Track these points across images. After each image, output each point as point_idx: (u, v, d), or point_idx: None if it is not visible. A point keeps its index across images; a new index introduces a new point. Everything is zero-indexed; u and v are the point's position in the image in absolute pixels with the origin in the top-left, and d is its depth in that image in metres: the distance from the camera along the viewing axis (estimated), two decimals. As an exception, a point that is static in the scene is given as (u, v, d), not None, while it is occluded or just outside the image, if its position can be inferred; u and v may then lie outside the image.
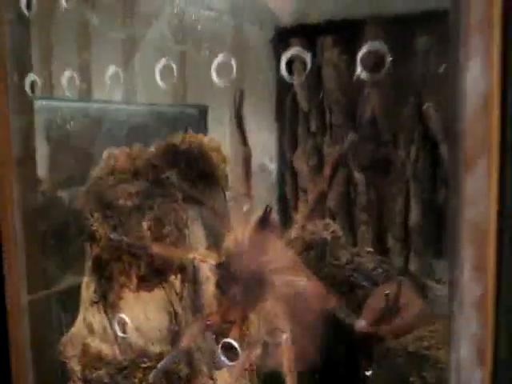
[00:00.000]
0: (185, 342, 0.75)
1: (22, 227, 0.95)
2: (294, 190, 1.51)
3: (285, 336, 0.69)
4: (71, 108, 1.17)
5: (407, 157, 1.35)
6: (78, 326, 0.96)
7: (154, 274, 0.90)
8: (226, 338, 0.70)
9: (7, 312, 0.95)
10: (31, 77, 0.85)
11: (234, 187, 0.83)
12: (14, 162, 0.91)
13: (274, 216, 0.69)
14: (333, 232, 1.08)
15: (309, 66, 0.61)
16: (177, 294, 0.92)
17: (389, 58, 0.62)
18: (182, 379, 0.92)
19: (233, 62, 0.66)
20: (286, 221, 1.48)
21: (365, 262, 1.01)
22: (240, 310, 0.69)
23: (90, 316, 0.95)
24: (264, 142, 1.51)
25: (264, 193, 1.49)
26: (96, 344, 0.94)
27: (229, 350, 0.71)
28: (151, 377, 0.79)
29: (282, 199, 1.52)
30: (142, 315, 0.92)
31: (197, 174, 0.95)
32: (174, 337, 0.92)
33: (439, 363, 0.84)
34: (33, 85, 0.88)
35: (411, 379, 0.89)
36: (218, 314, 0.70)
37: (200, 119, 1.41)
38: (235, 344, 0.69)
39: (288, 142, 1.50)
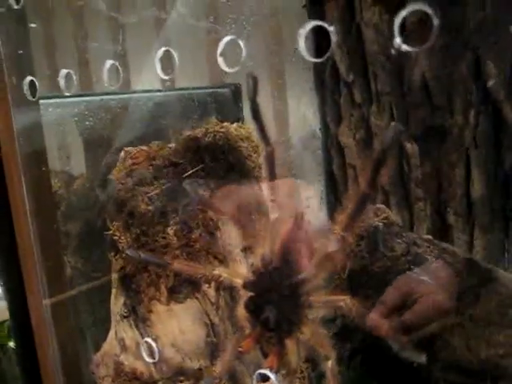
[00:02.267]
0: (218, 370, 0.66)
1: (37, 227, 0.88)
2: (341, 167, 1.38)
3: (330, 363, 0.58)
4: (92, 102, 1.08)
5: (465, 122, 1.20)
6: (110, 342, 0.88)
7: (185, 285, 0.81)
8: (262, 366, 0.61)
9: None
10: (29, 78, 0.76)
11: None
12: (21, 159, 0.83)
13: (307, 224, 0.58)
14: (385, 218, 0.95)
15: (333, 40, 0.49)
16: (212, 304, 0.83)
17: (436, 22, 0.49)
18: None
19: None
20: (335, 204, 1.37)
21: (423, 252, 0.89)
22: (276, 335, 0.59)
23: (121, 331, 0.87)
24: (305, 116, 1.39)
25: (309, 173, 1.38)
26: (130, 362, 0.86)
27: (265, 380, 0.61)
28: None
29: (330, 178, 1.40)
30: (176, 329, 0.83)
31: (225, 168, 0.84)
32: (212, 350, 0.84)
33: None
34: (33, 84, 0.79)
35: (484, 387, 0.77)
36: (251, 339, 0.60)
37: (234, 100, 1.30)
38: (271, 375, 0.59)
39: (331, 115, 1.37)
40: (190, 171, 0.80)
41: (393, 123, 0.52)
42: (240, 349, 0.62)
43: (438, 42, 1.22)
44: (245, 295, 0.63)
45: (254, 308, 0.58)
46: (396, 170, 1.29)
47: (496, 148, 1.18)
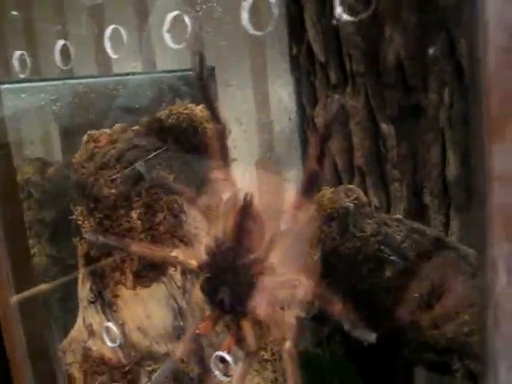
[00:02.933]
0: (178, 353, 0.65)
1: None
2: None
3: (287, 344, 0.57)
4: (58, 87, 1.06)
5: (440, 102, 1.19)
6: (78, 329, 0.88)
7: (151, 268, 0.80)
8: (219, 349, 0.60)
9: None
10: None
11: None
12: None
13: (258, 204, 0.57)
14: (356, 199, 0.95)
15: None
16: (179, 288, 0.82)
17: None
18: (194, 380, 0.82)
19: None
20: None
21: (393, 232, 0.88)
22: (231, 317, 0.58)
23: (89, 317, 0.86)
24: (280, 98, 1.38)
25: (285, 155, 1.37)
26: (98, 347, 0.85)
27: (223, 362, 0.60)
28: (149, 388, 0.70)
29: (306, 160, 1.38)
30: (142, 313, 0.82)
31: (189, 149, 0.83)
32: (180, 334, 0.83)
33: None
34: None
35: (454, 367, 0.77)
36: (209, 321, 0.59)
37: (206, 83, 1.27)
38: (228, 357, 0.58)
39: (307, 96, 1.36)
40: (153, 154, 0.79)
41: (336, 95, 0.51)
42: (198, 331, 0.61)
43: (411, 20, 1.22)
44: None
45: (209, 290, 0.57)
46: (372, 151, 1.28)
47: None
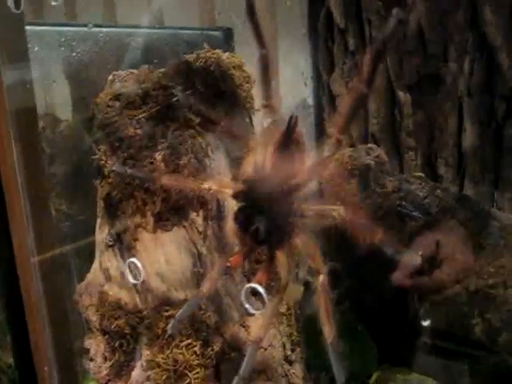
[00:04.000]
0: (205, 288, 0.65)
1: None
2: (332, 115, 1.36)
3: (321, 278, 0.57)
4: (78, 33, 1.05)
5: (460, 70, 1.18)
6: (94, 273, 0.86)
7: (173, 212, 0.79)
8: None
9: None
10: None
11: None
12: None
13: (301, 130, 0.56)
14: (377, 157, 0.94)
15: None
16: (200, 233, 0.81)
17: None
18: (211, 327, 0.82)
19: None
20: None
21: (415, 189, 0.88)
22: (266, 248, 0.57)
23: (105, 261, 0.85)
24: (297, 64, 1.37)
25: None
26: (114, 292, 0.84)
27: (255, 295, 0.60)
28: (169, 327, 0.69)
29: (320, 128, 1.38)
30: (161, 258, 0.81)
31: (215, 94, 0.82)
32: (198, 280, 0.82)
33: (507, 304, 0.71)
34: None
35: (473, 322, 0.77)
36: (239, 254, 0.59)
37: (225, 43, 1.27)
38: (260, 290, 0.57)
39: (323, 62, 1.35)
40: (180, 95, 0.77)
41: (395, 9, 0.50)
42: (228, 264, 0.60)
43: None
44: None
45: (243, 219, 0.56)
46: (387, 119, 1.27)
47: (489, 97, 1.17)
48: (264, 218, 0.55)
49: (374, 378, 1.24)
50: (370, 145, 0.98)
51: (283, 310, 0.90)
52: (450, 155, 1.21)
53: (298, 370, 0.92)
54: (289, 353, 0.91)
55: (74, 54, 1.01)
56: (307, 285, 1.06)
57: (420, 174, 0.94)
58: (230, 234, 0.59)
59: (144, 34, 1.11)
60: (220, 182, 0.59)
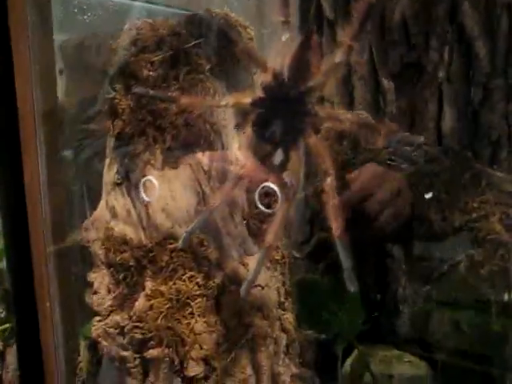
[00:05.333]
0: (216, 201, 0.70)
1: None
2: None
3: (329, 179, 0.63)
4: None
5: (440, 59, 1.27)
6: (101, 211, 0.91)
7: (181, 148, 0.85)
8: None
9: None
10: None
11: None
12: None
13: (316, 39, 0.63)
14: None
15: None
16: (205, 173, 0.86)
17: None
18: (212, 262, 0.86)
19: None
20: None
21: (404, 144, 0.95)
22: (280, 151, 0.63)
23: (112, 200, 0.90)
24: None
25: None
26: (120, 228, 0.88)
27: (267, 196, 0.65)
28: (181, 242, 0.74)
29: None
30: (168, 194, 0.86)
31: (223, 45, 0.88)
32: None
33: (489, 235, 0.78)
34: None
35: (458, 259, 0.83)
36: (252, 164, 0.64)
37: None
38: (275, 188, 0.63)
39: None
40: (193, 42, 0.84)
41: None
42: (242, 171, 0.65)
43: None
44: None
45: (261, 124, 0.62)
46: (371, 105, 1.35)
47: (466, 84, 1.26)
48: (281, 122, 0.61)
49: (354, 353, 1.29)
50: (358, 111, 1.05)
51: (278, 256, 0.95)
52: (430, 137, 1.29)
53: (290, 318, 0.97)
54: (282, 299, 0.96)
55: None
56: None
57: (406, 133, 1.01)
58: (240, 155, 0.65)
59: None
60: (237, 96, 0.65)
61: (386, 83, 1.33)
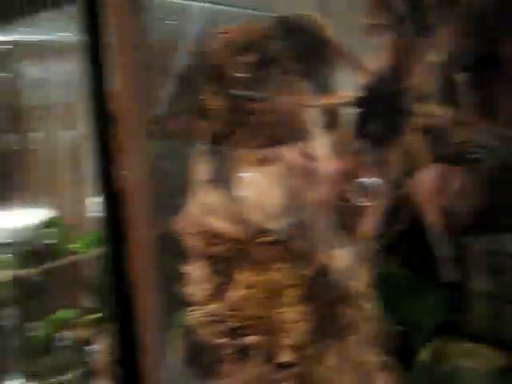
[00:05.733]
0: (314, 196, 0.73)
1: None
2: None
3: (426, 174, 0.65)
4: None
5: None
6: (193, 206, 0.96)
7: (272, 145, 0.89)
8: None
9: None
10: None
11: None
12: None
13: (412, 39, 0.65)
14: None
15: None
16: (295, 170, 0.90)
17: None
18: (304, 255, 0.90)
19: None
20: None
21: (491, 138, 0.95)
22: (379, 148, 0.66)
23: (205, 196, 0.94)
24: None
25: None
26: (213, 222, 0.93)
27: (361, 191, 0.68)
28: (278, 235, 0.78)
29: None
30: (259, 191, 0.90)
31: (310, 47, 0.92)
32: (289, 213, 0.90)
33: None
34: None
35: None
36: (353, 156, 0.67)
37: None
38: (371, 182, 0.66)
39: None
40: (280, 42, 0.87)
41: None
42: (337, 167, 0.68)
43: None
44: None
45: (361, 123, 0.65)
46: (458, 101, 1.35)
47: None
48: (380, 119, 0.64)
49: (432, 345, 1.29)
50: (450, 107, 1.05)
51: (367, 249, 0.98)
52: None
53: (374, 308, 0.99)
54: (367, 290, 0.98)
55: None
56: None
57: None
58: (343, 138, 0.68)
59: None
60: (337, 97, 0.68)
61: (469, 78, 1.32)
